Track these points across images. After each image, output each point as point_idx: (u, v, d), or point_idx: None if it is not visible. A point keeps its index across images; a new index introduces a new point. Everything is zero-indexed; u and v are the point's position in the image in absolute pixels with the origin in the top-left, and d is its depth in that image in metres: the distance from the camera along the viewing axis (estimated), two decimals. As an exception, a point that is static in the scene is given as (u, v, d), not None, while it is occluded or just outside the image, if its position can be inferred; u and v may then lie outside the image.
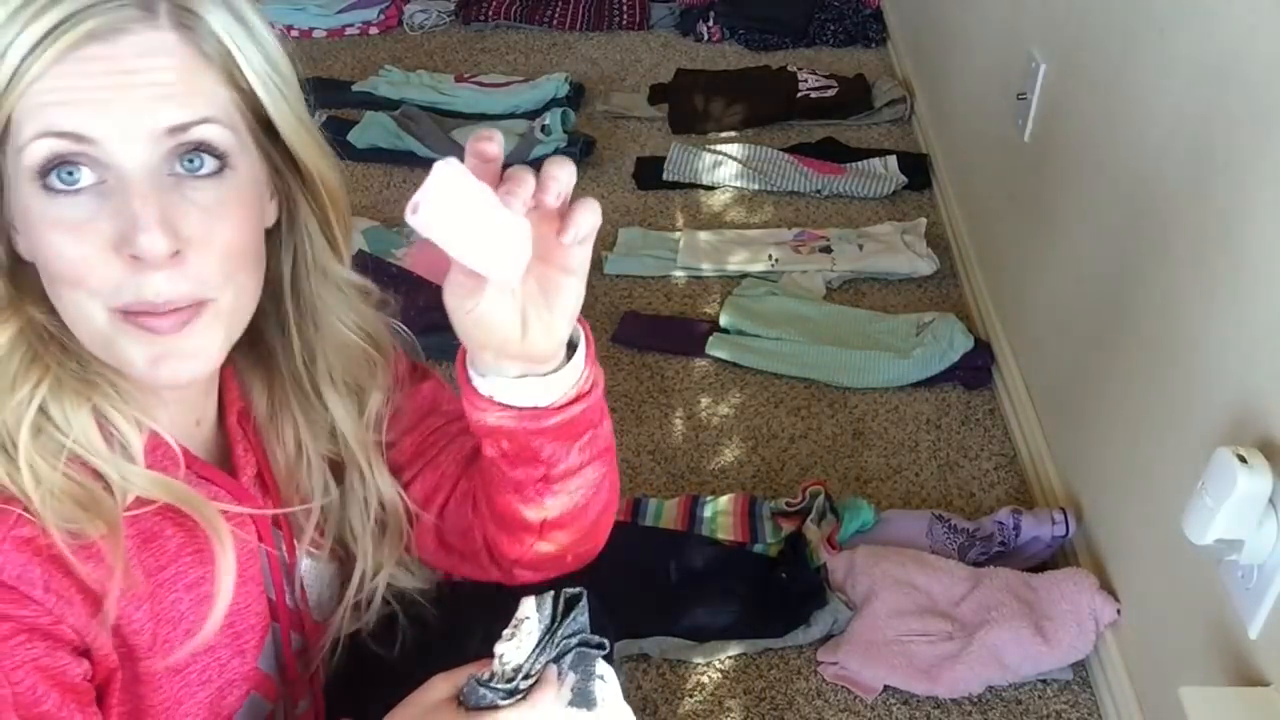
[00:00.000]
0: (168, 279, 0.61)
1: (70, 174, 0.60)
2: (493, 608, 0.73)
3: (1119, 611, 1.33)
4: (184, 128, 0.61)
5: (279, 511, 0.77)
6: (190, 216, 0.62)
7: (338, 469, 0.80)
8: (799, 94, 2.68)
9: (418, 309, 2.46)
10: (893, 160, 2.41)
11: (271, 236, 0.71)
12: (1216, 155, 1.11)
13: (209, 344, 0.65)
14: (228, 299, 0.65)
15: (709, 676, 1.41)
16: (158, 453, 0.68)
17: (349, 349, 0.77)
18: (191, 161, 0.62)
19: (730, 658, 1.42)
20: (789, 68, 2.80)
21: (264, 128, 0.67)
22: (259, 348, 0.76)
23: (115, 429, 0.66)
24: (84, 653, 0.64)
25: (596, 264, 2.16)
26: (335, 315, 0.75)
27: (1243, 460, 0.95)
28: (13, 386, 0.63)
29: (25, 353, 0.64)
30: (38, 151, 0.59)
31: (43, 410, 0.64)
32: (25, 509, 0.61)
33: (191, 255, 0.62)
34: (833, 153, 2.48)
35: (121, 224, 0.60)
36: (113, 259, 0.60)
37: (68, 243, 0.60)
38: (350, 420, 0.78)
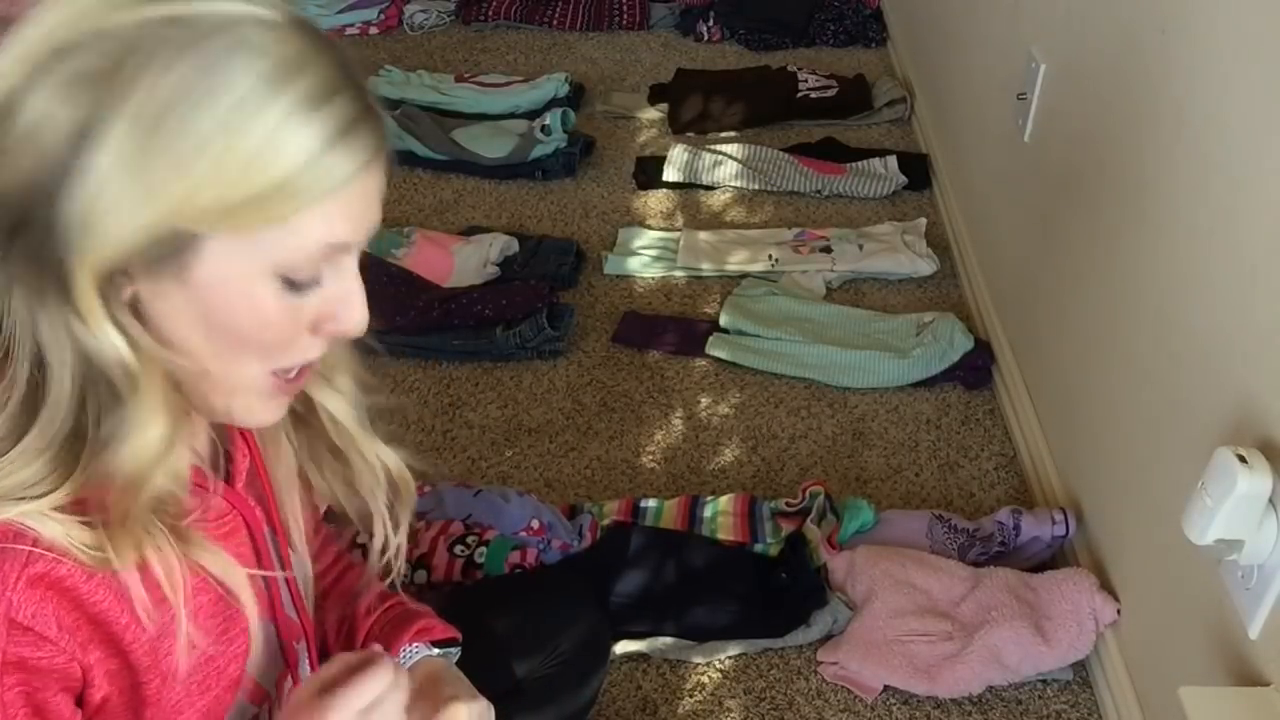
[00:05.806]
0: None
1: (316, 281, 0.64)
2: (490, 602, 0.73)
3: (1119, 611, 1.33)
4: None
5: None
6: None
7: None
8: (799, 94, 2.68)
9: (417, 309, 2.46)
10: (893, 160, 2.40)
11: None
12: (1216, 155, 1.11)
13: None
14: None
15: (709, 676, 1.41)
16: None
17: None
18: None
19: (730, 658, 1.42)
20: (789, 68, 2.80)
21: None
22: None
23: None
24: (81, 692, 0.65)
25: (596, 264, 2.16)
26: None
27: (1243, 460, 0.95)
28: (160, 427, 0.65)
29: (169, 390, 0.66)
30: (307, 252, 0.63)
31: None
32: (34, 543, 0.61)
33: None
34: (833, 153, 2.48)
35: (332, 308, 0.66)
36: (303, 333, 0.67)
37: (284, 324, 0.65)
38: (343, 407, 0.82)
